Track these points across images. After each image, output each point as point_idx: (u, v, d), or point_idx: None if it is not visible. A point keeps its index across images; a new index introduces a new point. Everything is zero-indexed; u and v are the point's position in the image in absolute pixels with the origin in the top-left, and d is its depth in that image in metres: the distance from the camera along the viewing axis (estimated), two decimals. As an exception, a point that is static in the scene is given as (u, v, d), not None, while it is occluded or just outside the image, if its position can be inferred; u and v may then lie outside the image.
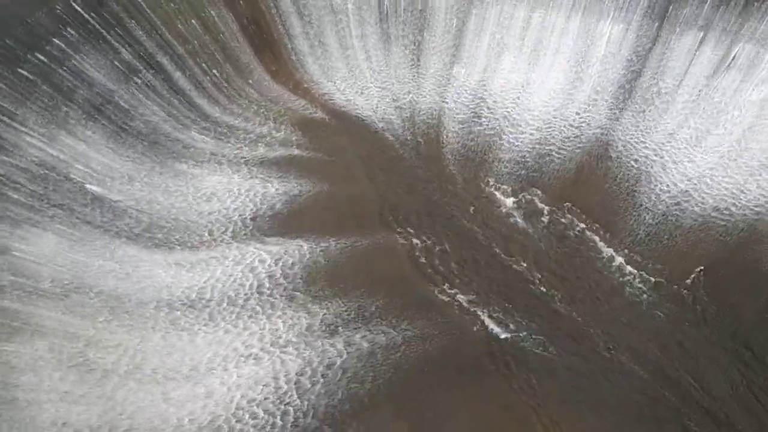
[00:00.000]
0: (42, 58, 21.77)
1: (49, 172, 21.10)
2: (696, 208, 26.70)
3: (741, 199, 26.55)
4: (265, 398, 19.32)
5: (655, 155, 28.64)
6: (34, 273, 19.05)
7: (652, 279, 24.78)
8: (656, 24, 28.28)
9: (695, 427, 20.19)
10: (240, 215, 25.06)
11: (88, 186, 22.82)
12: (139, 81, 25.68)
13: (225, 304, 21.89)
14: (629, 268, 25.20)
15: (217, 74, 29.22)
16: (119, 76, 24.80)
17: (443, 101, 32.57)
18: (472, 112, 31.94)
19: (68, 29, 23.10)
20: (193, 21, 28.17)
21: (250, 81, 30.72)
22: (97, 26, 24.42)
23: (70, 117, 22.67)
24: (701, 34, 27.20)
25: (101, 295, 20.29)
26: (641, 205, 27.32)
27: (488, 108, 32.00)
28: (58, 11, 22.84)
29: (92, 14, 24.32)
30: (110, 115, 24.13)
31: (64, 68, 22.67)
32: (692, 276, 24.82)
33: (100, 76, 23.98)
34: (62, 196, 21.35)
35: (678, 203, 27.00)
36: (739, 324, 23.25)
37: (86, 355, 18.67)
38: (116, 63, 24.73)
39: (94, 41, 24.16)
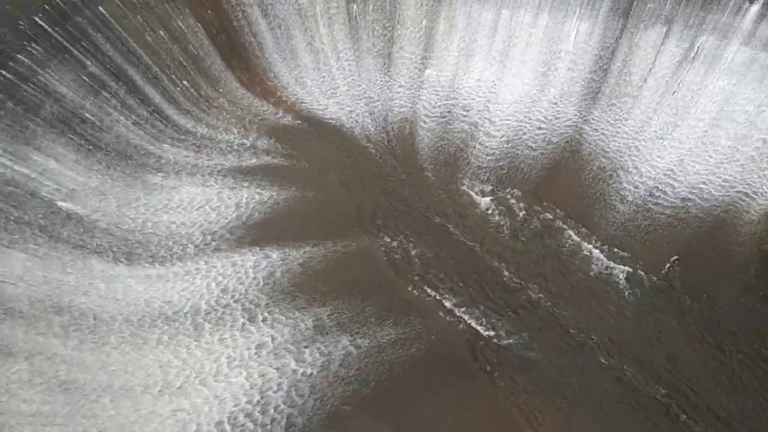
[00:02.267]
0: (6, 74, 21.43)
1: (18, 189, 20.77)
2: (667, 200, 27.19)
3: (710, 189, 27.14)
4: (244, 411, 19.11)
5: (626, 149, 29.10)
6: (5, 293, 18.67)
7: (629, 270, 25.06)
8: (621, 20, 28.78)
9: (678, 413, 20.45)
10: (214, 226, 24.84)
11: (58, 203, 22.48)
12: (108, 94, 25.39)
13: (200, 318, 21.62)
14: (605, 260, 25.46)
15: (188, 85, 28.98)
16: (87, 90, 24.49)
17: (416, 103, 32.70)
18: (445, 114, 32.12)
19: (33, 45, 22.75)
20: (161, 32, 27.93)
21: (221, 90, 30.53)
22: (63, 41, 24.09)
23: (37, 133, 22.34)
24: (665, 28, 27.74)
25: (75, 313, 19.96)
26: (614, 199, 27.69)
27: (461, 109, 32.21)
28: (22, 27, 22.50)
29: (56, 29, 23.99)
30: (79, 129, 23.82)
31: (30, 84, 22.34)
32: (667, 266, 25.17)
33: (67, 91, 23.65)
34: (32, 214, 21.01)
35: (650, 195, 27.45)
36: (715, 311, 23.62)
37: (60, 374, 18.32)
38: (83, 77, 24.42)
39: (60, 56, 23.85)
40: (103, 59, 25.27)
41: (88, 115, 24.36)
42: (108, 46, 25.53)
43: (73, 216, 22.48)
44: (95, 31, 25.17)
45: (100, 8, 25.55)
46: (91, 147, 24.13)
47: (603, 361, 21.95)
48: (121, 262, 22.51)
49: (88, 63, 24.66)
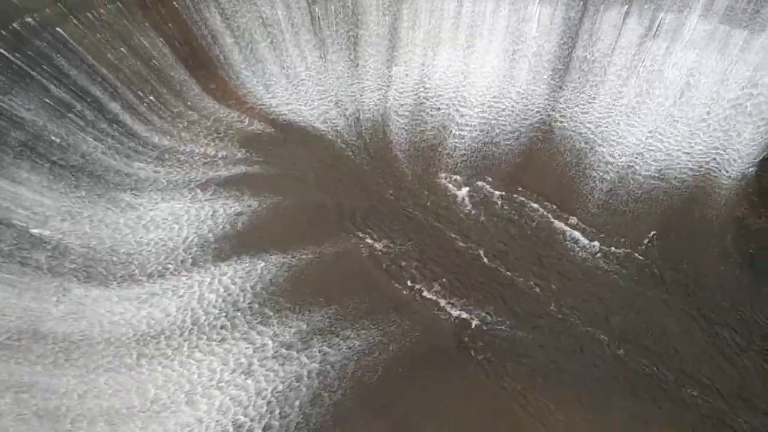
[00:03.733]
0: (-33, 104, 21.15)
1: (-11, 220, 20.46)
2: (641, 176, 27.49)
3: (681, 162, 27.49)
4: (237, 422, 18.99)
5: (597, 129, 29.35)
6: (-20, 325, 18.44)
7: (609, 249, 25.28)
8: (582, 1, 28.96)
9: (667, 386, 20.67)
10: (191, 241, 24.58)
11: (31, 230, 22.17)
12: (74, 116, 25.03)
13: (186, 334, 21.39)
14: (585, 241, 25.66)
15: (154, 100, 28.67)
16: (51, 113, 24.14)
17: (386, 100, 32.69)
18: (415, 108, 32.15)
19: (-7, 73, 22.47)
20: (122, 49, 27.58)
21: (189, 103, 30.24)
22: (23, 65, 23.74)
23: (4, 161, 21.99)
24: (625, 6, 28.01)
25: (54, 339, 19.70)
26: (589, 179, 27.93)
27: (431, 102, 32.27)
28: (-22, 55, 22.20)
29: (15, 54, 23.63)
30: (46, 153, 23.48)
31: (-8, 112, 22.02)
32: (646, 241, 25.44)
33: (31, 116, 23.31)
34: (4, 243, 20.69)
35: (624, 173, 27.72)
36: (696, 282, 23.91)
37: (41, 403, 18.06)
38: (46, 100, 24.07)
39: (21, 81, 23.48)
40: (66, 81, 24.91)
41: (54, 138, 24.01)
42: (70, 68, 25.16)
43: (47, 241, 22.17)
44: (56, 53, 24.80)
45: (59, 29, 25.18)
46: (59, 170, 23.78)
47: (591, 340, 22.11)
48: (98, 284, 22.21)
49: (51, 86, 24.30)
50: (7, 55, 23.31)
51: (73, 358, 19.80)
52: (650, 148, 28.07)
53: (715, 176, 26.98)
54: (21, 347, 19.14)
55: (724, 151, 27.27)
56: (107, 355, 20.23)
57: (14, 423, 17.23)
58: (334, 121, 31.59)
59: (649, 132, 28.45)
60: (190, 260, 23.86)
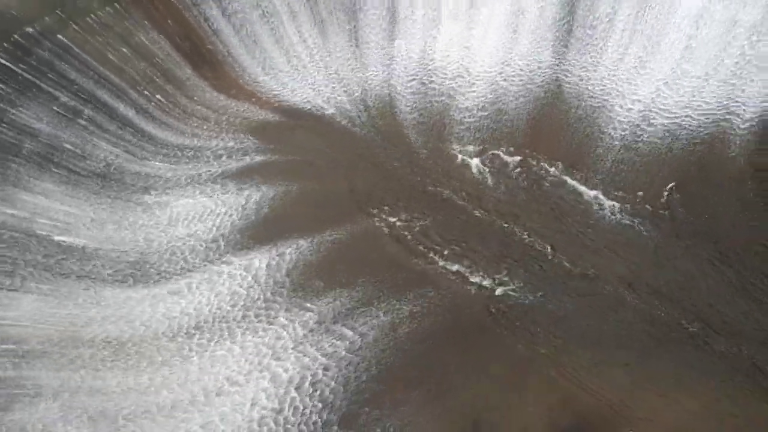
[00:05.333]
0: (-23, 119, 21.30)
1: (13, 232, 20.75)
2: (654, 130, 27.24)
3: (693, 112, 27.19)
4: (279, 401, 19.29)
5: (605, 87, 29.05)
6: (20, 337, 18.78)
7: (628, 206, 25.23)
8: (581, -41, 28.57)
9: (700, 335, 20.78)
10: (215, 234, 24.68)
11: (55, 238, 22.46)
12: (84, 121, 25.15)
13: (219, 325, 21.60)
14: (604, 199, 25.61)
15: (161, 98, 28.65)
16: (62, 121, 24.30)
17: (391, 76, 32.43)
18: (421, 83, 31.91)
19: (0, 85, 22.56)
20: (124, 50, 27.54)
21: (196, 98, 30.16)
22: (29, 76, 23.86)
23: (21, 173, 22.23)
24: (626, -42, 27.56)
25: (94, 343, 20.07)
26: (602, 139, 27.72)
27: (436, 75, 31.99)
28: (-16, 69, 22.29)
29: (20, 65, 23.76)
30: (62, 162, 23.70)
31: (4, 124, 22.19)
32: (665, 195, 25.35)
33: (42, 125, 23.51)
34: (32, 254, 21.01)
35: (636, 129, 27.49)
36: (719, 230, 23.85)
37: (88, 406, 18.46)
38: (56, 108, 24.21)
39: (29, 91, 23.64)
40: (72, 87, 24.99)
41: (68, 146, 24.20)
42: (75, 73, 25.23)
43: (73, 248, 22.46)
44: (60, 60, 24.86)
45: (60, 36, 25.19)
46: (77, 177, 24.02)
47: (621, 299, 22.18)
48: (128, 285, 22.50)
49: (59, 94, 24.41)
50: (11, 66, 23.48)
51: (111, 359, 20.16)
52: (662, 100, 27.78)
53: (730, 124, 26.70)
54: (60, 353, 19.54)
55: (736, 98, 26.93)
56: (147, 353, 20.59)
57: (66, 427, 17.67)
58: (340, 103, 31.46)
59: (657, 88, 28.14)
60: (219, 252, 24.02)
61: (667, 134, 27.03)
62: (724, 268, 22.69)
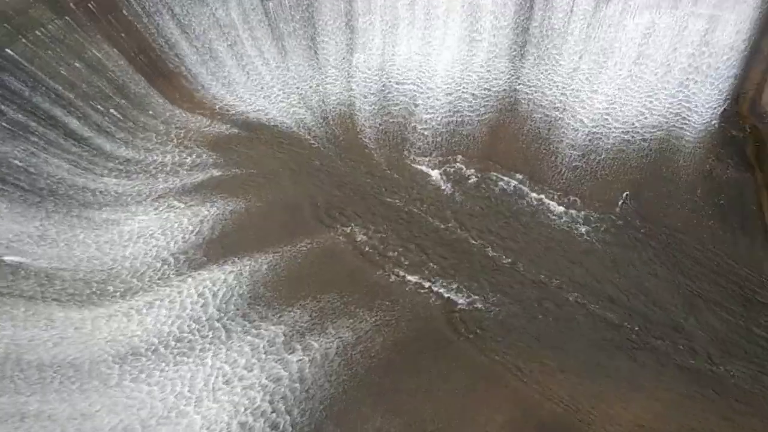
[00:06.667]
0: None
1: (-40, 253, 20.00)
2: (609, 139, 27.99)
3: (645, 121, 27.99)
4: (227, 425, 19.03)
5: (562, 96, 29.69)
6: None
7: (585, 213, 25.70)
8: (534, -29, 29.16)
9: (658, 342, 21.27)
10: (170, 251, 24.29)
11: (5, 258, 21.75)
12: (34, 137, 24.42)
13: (174, 346, 21.20)
14: (561, 209, 26.04)
15: (115, 113, 28.01)
16: (11, 138, 23.53)
17: (350, 89, 32.49)
18: (381, 95, 32.04)
19: (-58, 102, 21.84)
20: (76, 64, 26.90)
21: (151, 112, 29.62)
22: (-25, 92, 23.13)
23: (-32, 192, 21.49)
24: (577, -28, 28.25)
25: (42, 365, 19.41)
26: (558, 148, 28.31)
27: (395, 87, 32.21)
28: (-73, 85, 21.52)
29: (-35, 80, 23.01)
30: (10, 180, 22.95)
31: (-51, 143, 21.42)
32: (620, 202, 25.93)
33: (-10, 143, 22.74)
34: (-22, 275, 20.30)
35: (592, 138, 28.14)
36: (673, 236, 24.50)
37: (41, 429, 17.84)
38: (4, 124, 23.44)
39: (-25, 108, 22.89)
40: (21, 102, 24.23)
41: (17, 163, 23.46)
42: (24, 88, 24.48)
43: (23, 268, 21.77)
44: (8, 75, 24.11)
45: (8, 50, 24.48)
46: (26, 195, 23.30)
47: (578, 305, 22.53)
48: (81, 305, 21.88)
49: (7, 109, 23.67)
50: (-45, 82, 22.67)
51: (59, 382, 19.50)
52: (613, 112, 28.54)
53: (679, 132, 27.59)
54: (9, 377, 18.87)
55: (685, 106, 27.91)
56: (96, 376, 19.97)
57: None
58: (300, 116, 31.32)
59: (611, 97, 28.88)
60: (173, 270, 23.62)
61: (620, 143, 27.76)
62: (678, 273, 23.27)
